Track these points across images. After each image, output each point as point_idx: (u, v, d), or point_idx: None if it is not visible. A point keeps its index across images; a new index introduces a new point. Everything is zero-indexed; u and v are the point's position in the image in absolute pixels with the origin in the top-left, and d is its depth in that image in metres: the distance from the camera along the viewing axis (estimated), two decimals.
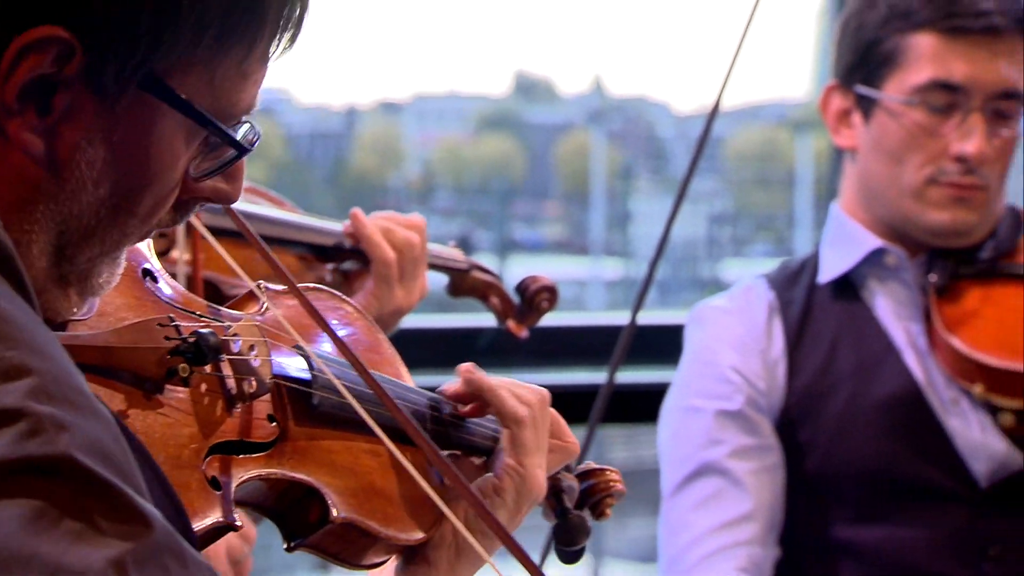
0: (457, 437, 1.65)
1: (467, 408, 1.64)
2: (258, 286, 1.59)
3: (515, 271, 7.46)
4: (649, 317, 2.86)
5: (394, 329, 2.07)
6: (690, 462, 2.42)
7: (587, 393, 2.52)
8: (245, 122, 1.30)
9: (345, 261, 2.10)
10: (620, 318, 2.58)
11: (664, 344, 2.87)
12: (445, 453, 1.63)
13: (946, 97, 2.38)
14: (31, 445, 1.03)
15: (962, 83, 2.38)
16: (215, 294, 1.97)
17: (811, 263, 2.52)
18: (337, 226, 2.10)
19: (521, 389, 1.63)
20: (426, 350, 2.95)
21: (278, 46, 1.28)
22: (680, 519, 2.41)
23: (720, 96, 2.25)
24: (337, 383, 1.51)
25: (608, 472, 1.70)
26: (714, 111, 2.26)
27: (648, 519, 2.40)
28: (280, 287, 1.60)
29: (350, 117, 12.69)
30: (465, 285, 2.23)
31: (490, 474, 1.62)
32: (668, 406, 2.50)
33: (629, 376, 2.61)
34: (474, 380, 1.63)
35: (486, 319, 2.42)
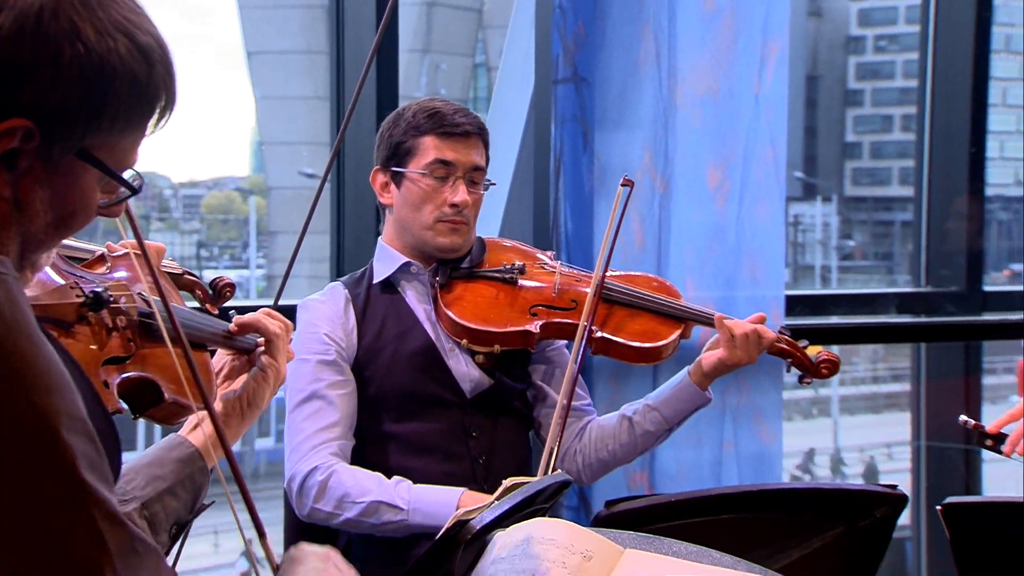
0: (237, 345, 1.73)
1: (235, 329, 1.72)
2: (105, 253, 1.62)
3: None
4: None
5: None
6: (303, 392, 2.41)
7: None
8: (134, 171, 1.29)
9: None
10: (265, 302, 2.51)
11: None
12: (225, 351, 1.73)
13: (443, 170, 2.47)
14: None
15: (452, 161, 2.47)
16: None
17: (368, 272, 2.55)
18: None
19: (275, 316, 1.72)
20: None
21: (156, 127, 1.27)
22: (297, 426, 2.40)
23: (323, 183, 2.24)
24: (160, 320, 1.53)
25: None
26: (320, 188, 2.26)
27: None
28: (119, 252, 1.62)
29: None
30: (180, 284, 2.16)
31: (255, 368, 1.70)
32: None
33: None
34: (248, 319, 1.71)
35: None
